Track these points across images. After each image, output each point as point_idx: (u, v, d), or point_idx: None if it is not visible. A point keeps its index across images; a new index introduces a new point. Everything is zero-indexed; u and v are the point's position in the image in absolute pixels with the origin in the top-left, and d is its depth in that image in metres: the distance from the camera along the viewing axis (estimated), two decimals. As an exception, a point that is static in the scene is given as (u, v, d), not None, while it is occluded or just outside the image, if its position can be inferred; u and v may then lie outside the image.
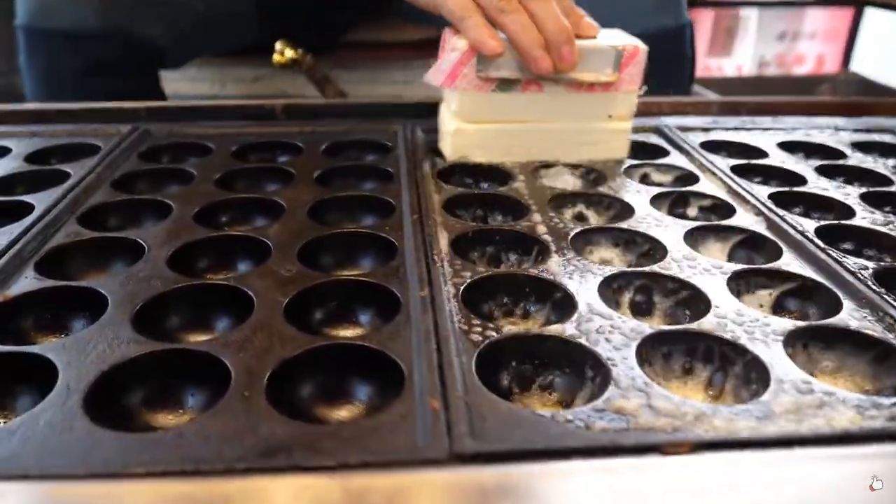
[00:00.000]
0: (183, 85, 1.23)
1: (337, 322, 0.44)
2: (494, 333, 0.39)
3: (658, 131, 0.75)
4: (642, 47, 0.62)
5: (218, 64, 1.24)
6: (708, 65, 2.05)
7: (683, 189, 0.61)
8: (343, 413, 0.37)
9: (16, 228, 0.51)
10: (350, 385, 0.38)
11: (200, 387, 0.38)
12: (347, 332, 0.44)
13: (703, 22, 1.95)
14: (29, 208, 0.55)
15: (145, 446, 0.31)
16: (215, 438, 0.32)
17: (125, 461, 0.30)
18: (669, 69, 1.12)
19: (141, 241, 0.50)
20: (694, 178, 0.63)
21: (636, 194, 0.60)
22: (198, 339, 0.42)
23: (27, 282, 0.45)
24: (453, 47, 0.61)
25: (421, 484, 0.29)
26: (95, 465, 0.30)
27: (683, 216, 0.58)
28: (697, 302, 0.44)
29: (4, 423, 0.36)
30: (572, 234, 0.51)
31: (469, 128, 0.64)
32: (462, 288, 0.44)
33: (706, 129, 0.77)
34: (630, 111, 0.66)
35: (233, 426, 0.33)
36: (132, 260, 0.48)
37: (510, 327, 0.40)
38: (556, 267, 0.47)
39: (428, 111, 0.78)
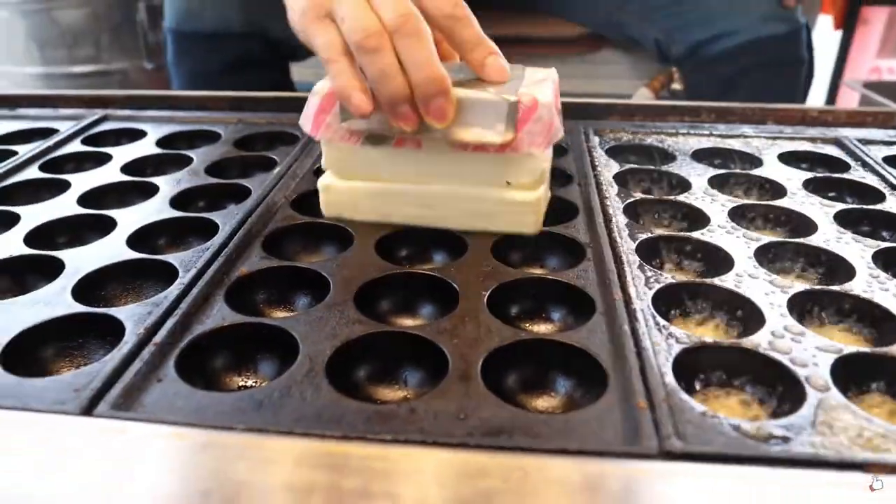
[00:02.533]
0: (307, 73, 1.30)
1: (530, 317, 0.48)
2: (688, 339, 0.41)
3: (838, 143, 0.74)
4: (543, 99, 0.49)
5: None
6: (878, 66, 1.95)
7: (869, 207, 0.60)
8: (541, 403, 0.41)
9: (241, 209, 0.57)
10: (549, 378, 0.42)
11: (416, 367, 0.42)
12: (541, 328, 0.47)
13: (875, 22, 1.85)
14: (246, 192, 0.62)
15: (384, 417, 0.36)
16: (442, 416, 0.36)
17: (369, 427, 0.35)
18: (783, 74, 1.09)
19: (349, 230, 0.55)
20: (880, 196, 0.62)
21: (816, 208, 0.59)
22: (405, 322, 0.47)
23: (257, 260, 0.51)
24: (315, 91, 0.51)
25: (648, 475, 0.32)
26: (347, 429, 0.35)
27: (871, 235, 0.57)
28: (887, 322, 0.44)
29: (255, 385, 0.41)
30: (755, 246, 0.52)
31: (340, 185, 0.55)
32: (653, 292, 0.46)
33: (889, 143, 0.75)
34: (536, 178, 0.52)
35: (455, 406, 0.37)
36: (341, 246, 0.54)
37: (705, 336, 0.42)
38: (743, 279, 0.48)
39: (599, 112, 0.81)
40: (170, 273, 0.50)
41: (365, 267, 0.50)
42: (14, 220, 0.58)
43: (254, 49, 1.11)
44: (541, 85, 0.51)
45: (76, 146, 0.75)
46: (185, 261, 0.50)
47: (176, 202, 0.61)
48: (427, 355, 0.41)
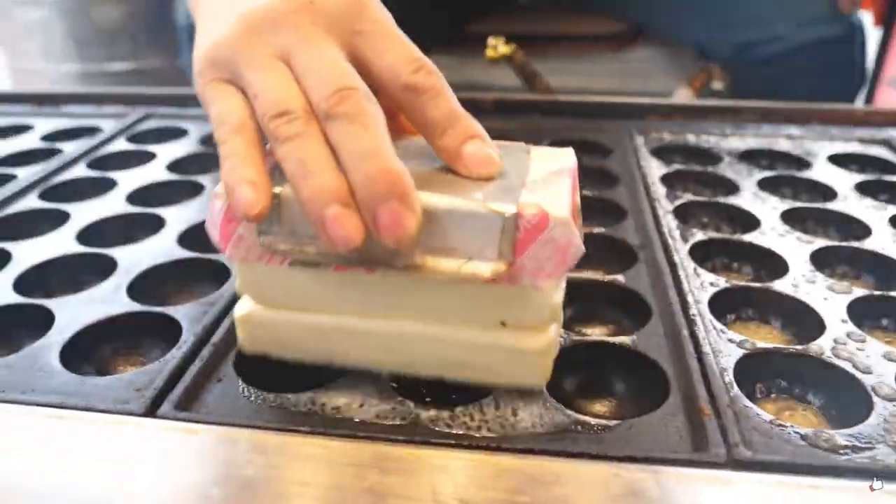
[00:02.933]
0: None
1: (583, 320, 0.47)
2: (748, 344, 0.41)
3: (888, 145, 0.73)
4: (557, 213, 0.32)
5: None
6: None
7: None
8: (598, 408, 0.40)
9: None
10: (606, 382, 0.41)
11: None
12: (594, 331, 0.46)
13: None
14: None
15: (442, 420, 0.36)
16: (501, 420, 0.36)
17: (433, 431, 0.35)
18: (834, 77, 1.07)
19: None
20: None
21: (870, 211, 0.58)
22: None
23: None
24: (217, 191, 0.34)
25: (717, 484, 0.31)
26: (413, 432, 0.35)
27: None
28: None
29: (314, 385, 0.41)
30: (810, 250, 0.52)
31: (263, 315, 0.37)
32: (709, 296, 0.45)
33: (941, 144, 0.73)
34: (543, 318, 0.35)
35: (512, 409, 0.36)
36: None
37: (762, 342, 0.42)
38: (799, 284, 0.47)
39: (640, 111, 0.80)
40: (220, 271, 0.50)
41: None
42: (65, 218, 0.59)
43: None
44: (554, 183, 0.34)
45: (121, 144, 0.76)
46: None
47: (223, 201, 0.61)
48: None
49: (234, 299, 0.44)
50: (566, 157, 0.38)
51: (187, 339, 0.42)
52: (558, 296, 0.37)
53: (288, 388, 0.41)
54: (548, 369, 0.36)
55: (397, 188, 0.30)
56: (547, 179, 0.35)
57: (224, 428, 0.35)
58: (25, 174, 0.67)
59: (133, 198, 0.62)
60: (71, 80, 1.59)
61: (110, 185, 0.65)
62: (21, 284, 0.49)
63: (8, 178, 0.66)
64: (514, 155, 0.37)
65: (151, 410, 0.36)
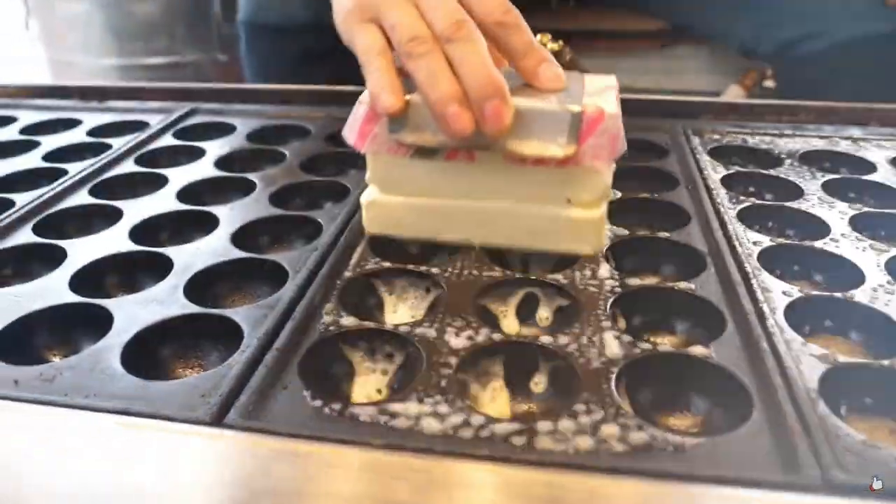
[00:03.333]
0: None
1: (655, 328, 0.46)
2: (831, 358, 0.39)
3: (956, 148, 0.70)
4: (610, 110, 0.44)
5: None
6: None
7: None
8: (674, 422, 0.39)
9: (342, 209, 0.56)
10: (682, 396, 0.40)
11: (541, 380, 0.41)
12: (665, 341, 0.45)
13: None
14: (344, 190, 0.61)
15: (516, 434, 0.35)
16: (575, 433, 0.34)
17: (508, 447, 0.34)
18: (882, 75, 1.03)
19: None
20: None
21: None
22: (525, 332, 0.45)
23: (366, 262, 0.50)
24: (361, 98, 0.47)
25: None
26: (489, 446, 0.34)
27: None
28: None
29: (380, 392, 0.40)
30: (886, 258, 0.50)
31: (385, 200, 0.50)
32: (785, 306, 0.44)
33: None
34: (599, 195, 0.48)
35: (588, 422, 0.35)
36: (451, 247, 0.52)
37: (845, 357, 0.40)
38: (878, 294, 0.45)
39: (692, 109, 0.78)
40: (278, 273, 0.49)
41: (481, 270, 0.48)
42: (117, 214, 0.58)
43: (322, 42, 1.10)
44: (604, 94, 0.47)
45: (168, 140, 0.75)
46: (293, 261, 0.50)
47: (275, 199, 0.60)
48: (557, 368, 0.40)
49: (293, 303, 0.44)
50: (611, 79, 0.51)
51: (250, 344, 0.41)
52: (609, 178, 0.49)
53: (351, 396, 0.40)
54: (601, 240, 0.50)
55: (499, 90, 0.42)
56: (600, 91, 0.47)
57: (294, 440, 0.34)
58: (75, 169, 0.67)
59: (183, 195, 0.62)
60: (109, 74, 1.60)
61: (161, 181, 0.65)
62: (77, 283, 0.48)
63: (59, 173, 0.66)
64: (573, 77, 0.49)
65: (218, 418, 0.35)
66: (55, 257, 0.52)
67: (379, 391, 0.41)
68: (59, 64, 1.63)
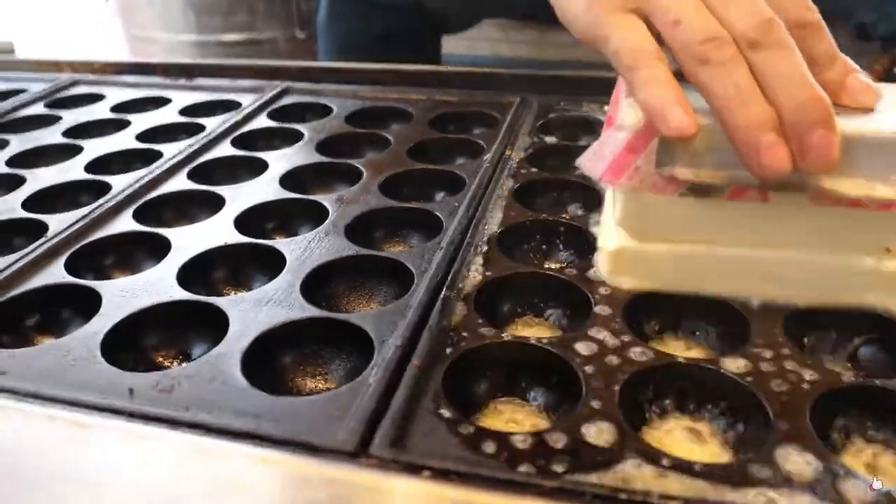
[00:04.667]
0: (460, 46, 1.24)
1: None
2: None
3: None
4: None
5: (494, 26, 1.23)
6: None
7: None
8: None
9: (461, 202, 0.52)
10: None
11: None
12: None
13: None
14: (458, 180, 0.56)
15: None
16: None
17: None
18: None
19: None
20: None
21: None
22: (688, 353, 0.40)
23: (497, 265, 0.45)
24: (621, 124, 0.37)
25: None
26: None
27: None
28: None
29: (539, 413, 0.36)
30: None
31: (641, 249, 0.40)
32: None
33: None
34: None
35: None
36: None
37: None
38: None
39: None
40: (398, 272, 0.45)
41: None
42: (219, 201, 0.54)
43: (406, 21, 1.06)
44: None
45: (263, 121, 0.71)
46: (416, 260, 0.45)
47: (385, 189, 0.56)
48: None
49: (426, 310, 0.39)
50: None
51: (385, 357, 0.36)
52: None
53: (503, 422, 0.36)
54: None
55: (826, 115, 0.33)
56: None
57: (468, 488, 0.29)
58: (170, 150, 0.63)
59: (286, 181, 0.58)
60: (186, 50, 1.58)
61: (260, 165, 0.61)
62: (184, 277, 0.45)
63: (154, 155, 0.63)
64: (882, 88, 0.38)
65: (363, 447, 0.31)
66: (159, 247, 0.48)
67: (543, 410, 0.36)
68: (137, 40, 1.62)
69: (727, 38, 0.34)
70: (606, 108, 0.64)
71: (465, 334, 0.38)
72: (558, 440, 0.31)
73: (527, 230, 0.49)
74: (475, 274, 0.44)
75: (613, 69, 0.38)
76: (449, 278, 0.43)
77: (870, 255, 0.38)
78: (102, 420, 0.32)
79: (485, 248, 0.46)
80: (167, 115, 0.73)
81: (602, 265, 0.42)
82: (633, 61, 0.36)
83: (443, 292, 0.41)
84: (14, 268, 0.45)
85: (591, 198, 0.53)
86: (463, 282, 0.43)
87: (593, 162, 0.38)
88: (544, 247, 0.49)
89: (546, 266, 0.47)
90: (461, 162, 0.62)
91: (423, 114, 0.71)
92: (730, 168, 0.35)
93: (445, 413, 0.33)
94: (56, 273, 0.46)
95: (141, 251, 0.49)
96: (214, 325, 0.40)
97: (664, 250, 0.40)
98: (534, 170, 0.57)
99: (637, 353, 0.36)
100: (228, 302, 0.42)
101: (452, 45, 1.24)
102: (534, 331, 0.42)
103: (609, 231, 0.42)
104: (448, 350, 0.37)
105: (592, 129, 0.65)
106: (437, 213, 0.51)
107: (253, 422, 0.32)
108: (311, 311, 0.41)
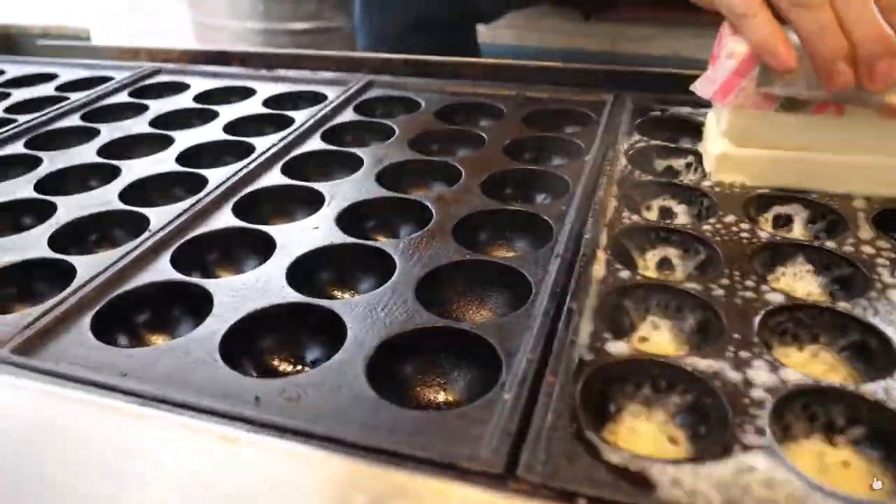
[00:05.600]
0: (498, 35, 1.21)
1: None
2: None
3: None
4: None
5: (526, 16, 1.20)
6: None
7: None
8: None
9: (567, 205, 0.50)
10: None
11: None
12: None
13: None
14: (560, 183, 0.54)
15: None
16: None
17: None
18: None
19: (712, 238, 0.46)
20: None
21: None
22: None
23: (620, 276, 0.43)
24: (730, 52, 0.48)
25: None
26: None
27: None
28: None
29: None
30: None
31: (739, 153, 0.51)
32: None
33: None
34: None
35: None
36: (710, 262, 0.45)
37: None
38: None
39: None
40: (511, 279, 0.43)
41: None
42: (317, 198, 0.53)
43: (440, 9, 1.04)
44: None
45: (350, 115, 0.70)
46: (531, 267, 0.43)
47: (486, 189, 0.54)
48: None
49: (553, 321, 0.38)
50: None
51: (518, 372, 0.35)
52: None
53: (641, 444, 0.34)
54: None
55: (889, 47, 0.43)
56: None
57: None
58: (261, 144, 0.62)
59: (384, 178, 0.56)
60: (253, 38, 1.57)
61: (354, 161, 0.59)
62: (293, 277, 0.44)
63: (245, 148, 0.62)
64: None
65: (509, 469, 0.29)
66: (262, 244, 0.48)
67: (672, 440, 0.34)
68: (203, 27, 1.62)
69: None
70: (703, 110, 0.63)
71: (596, 347, 0.36)
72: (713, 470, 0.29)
73: (640, 236, 0.47)
74: (596, 283, 0.42)
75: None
76: (570, 288, 0.41)
77: None
78: (245, 434, 0.31)
79: (601, 255, 0.44)
80: (252, 107, 0.73)
81: (709, 165, 0.53)
82: (746, 9, 0.46)
83: (566, 303, 0.40)
84: (122, 263, 0.45)
85: (698, 202, 0.51)
86: (585, 291, 0.41)
87: (704, 85, 0.50)
88: (660, 255, 0.47)
89: (663, 275, 0.45)
90: (560, 162, 0.60)
91: (514, 110, 0.69)
92: (814, 88, 0.46)
93: (591, 436, 0.31)
94: (163, 269, 0.45)
95: (244, 248, 0.48)
96: (328, 329, 0.39)
97: (761, 155, 0.51)
98: (637, 172, 0.55)
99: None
100: (343, 305, 0.41)
101: (500, 34, 1.21)
102: (659, 339, 0.40)
103: (713, 141, 0.53)
104: (581, 364, 0.35)
105: (694, 130, 0.63)
106: (545, 217, 0.49)
107: (384, 438, 0.31)
108: (430, 319, 0.39)
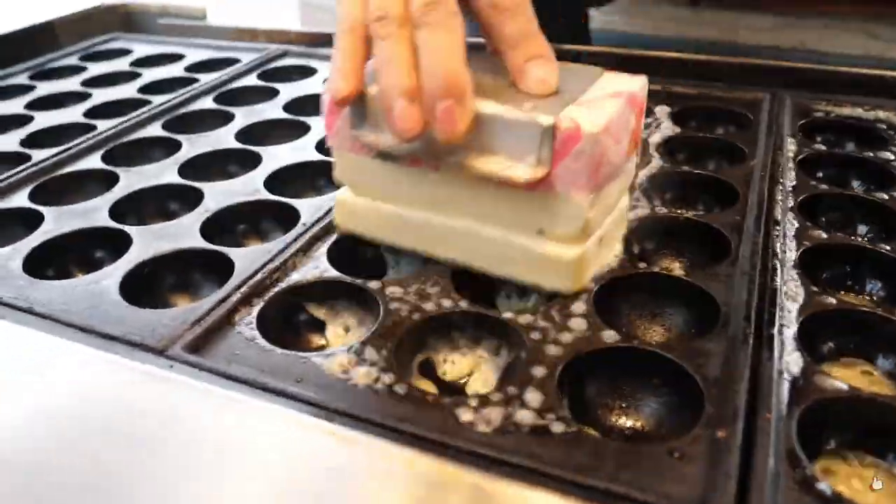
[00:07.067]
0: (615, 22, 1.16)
1: None
2: None
3: None
4: (589, 128, 0.35)
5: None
6: None
7: None
8: None
9: (742, 215, 0.46)
10: None
11: None
12: None
13: None
14: (728, 189, 0.50)
15: None
16: None
17: None
18: None
19: None
20: None
21: None
22: None
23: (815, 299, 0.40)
24: (327, 86, 0.39)
25: None
26: None
27: None
28: None
29: None
30: None
31: (352, 200, 0.44)
32: None
33: None
34: (576, 230, 0.38)
35: None
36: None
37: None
38: None
39: None
40: (692, 296, 0.40)
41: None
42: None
43: None
44: (603, 103, 0.37)
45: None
46: (716, 283, 0.40)
47: (645, 192, 0.51)
48: None
49: (755, 350, 0.35)
50: (632, 83, 0.39)
51: (729, 405, 0.32)
52: (595, 211, 0.38)
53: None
54: (582, 279, 0.40)
55: (456, 89, 0.35)
56: (599, 99, 0.37)
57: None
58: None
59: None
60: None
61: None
62: (458, 279, 0.41)
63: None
64: (581, 75, 0.39)
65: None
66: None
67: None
68: (309, 7, 1.62)
69: (395, 17, 0.36)
70: (872, 113, 0.58)
71: (809, 379, 0.33)
72: None
73: (830, 255, 0.43)
74: (793, 306, 0.38)
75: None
76: (766, 313, 0.38)
77: (526, 234, 0.39)
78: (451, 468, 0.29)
79: (792, 275, 0.41)
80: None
81: (335, 215, 0.46)
82: (338, 27, 0.38)
83: (766, 328, 0.36)
84: (282, 258, 0.44)
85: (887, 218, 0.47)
86: (780, 317, 0.37)
87: (322, 119, 0.42)
88: (852, 276, 0.43)
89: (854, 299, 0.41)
90: (718, 165, 0.56)
91: (662, 107, 0.65)
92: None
93: (823, 488, 0.28)
94: (320, 266, 0.43)
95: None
96: (500, 338, 0.37)
97: (370, 205, 0.43)
98: (813, 182, 0.51)
99: None
100: (522, 321, 0.38)
101: (612, 21, 1.16)
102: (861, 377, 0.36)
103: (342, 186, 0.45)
104: (793, 400, 0.32)
105: (865, 133, 0.58)
106: (719, 228, 0.46)
107: (596, 474, 0.29)
108: (615, 336, 0.37)
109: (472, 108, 0.36)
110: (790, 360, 0.34)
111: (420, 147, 0.37)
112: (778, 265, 0.41)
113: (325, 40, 0.88)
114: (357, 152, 0.41)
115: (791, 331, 0.36)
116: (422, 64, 0.36)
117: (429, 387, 0.37)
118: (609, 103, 0.37)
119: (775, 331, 0.36)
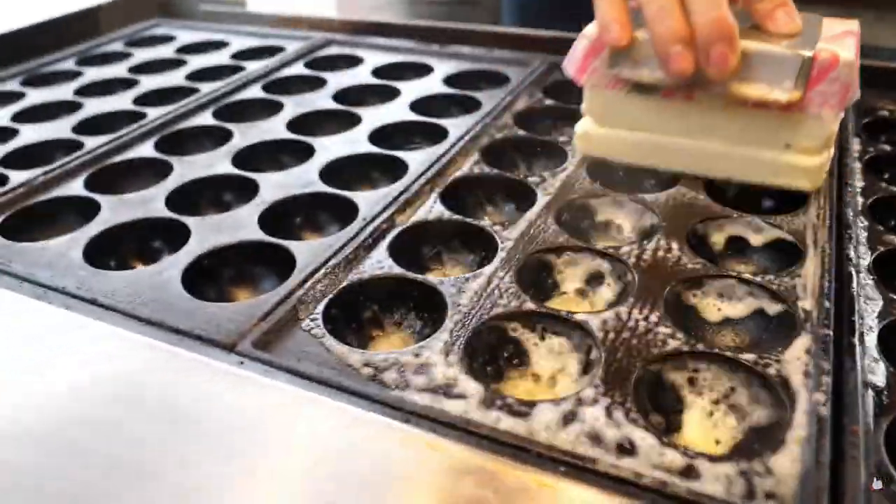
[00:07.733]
0: None
1: None
2: None
3: None
4: (845, 57, 0.42)
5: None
6: None
7: None
8: None
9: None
10: None
11: None
12: None
13: None
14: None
15: None
16: None
17: None
18: None
19: None
20: None
21: None
22: None
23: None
24: (585, 32, 0.47)
25: None
26: None
27: None
28: None
29: None
30: None
31: (599, 132, 0.51)
32: None
33: None
34: (820, 142, 0.46)
35: None
36: None
37: None
38: None
39: None
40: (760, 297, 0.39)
41: None
42: (527, 191, 0.50)
43: None
44: (841, 40, 0.44)
45: (539, 99, 0.66)
46: (786, 288, 0.39)
47: (711, 190, 0.50)
48: None
49: (836, 358, 0.34)
50: (852, 24, 0.47)
51: (811, 416, 0.31)
52: (835, 126, 0.46)
53: None
54: (821, 181, 0.48)
55: (727, 34, 0.41)
56: (837, 37, 0.44)
57: None
58: (455, 129, 0.60)
59: (593, 172, 0.53)
60: (395, 7, 1.55)
61: (559, 151, 0.56)
62: (520, 274, 0.41)
63: (439, 132, 0.60)
64: (810, 20, 0.46)
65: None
66: (478, 237, 0.46)
67: None
68: (345, -7, 1.61)
69: None
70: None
71: (892, 391, 0.32)
72: None
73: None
74: (871, 311, 0.37)
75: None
76: (845, 322, 0.37)
77: (774, 149, 0.47)
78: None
79: (868, 277, 0.40)
80: (432, 85, 0.70)
81: (575, 143, 0.54)
82: None
83: (847, 336, 0.36)
84: (343, 254, 0.43)
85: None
86: (865, 322, 0.37)
87: (568, 65, 0.48)
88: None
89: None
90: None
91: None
92: (657, 72, 0.44)
93: (917, 503, 0.27)
94: (382, 261, 0.43)
95: (460, 240, 0.46)
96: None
97: (618, 135, 0.51)
98: (883, 184, 0.50)
99: None
100: (590, 318, 0.38)
101: None
102: None
103: (581, 119, 0.53)
104: (883, 410, 0.31)
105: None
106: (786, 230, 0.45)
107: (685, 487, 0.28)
108: (682, 343, 0.36)
109: (739, 49, 0.42)
110: (876, 369, 0.33)
111: (680, 80, 0.44)
112: (853, 271, 0.40)
113: (368, 29, 0.88)
114: (612, 88, 0.47)
115: (871, 338, 0.35)
116: (693, 11, 0.41)
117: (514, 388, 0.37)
118: (846, 40, 0.44)
119: (859, 339, 0.35)
